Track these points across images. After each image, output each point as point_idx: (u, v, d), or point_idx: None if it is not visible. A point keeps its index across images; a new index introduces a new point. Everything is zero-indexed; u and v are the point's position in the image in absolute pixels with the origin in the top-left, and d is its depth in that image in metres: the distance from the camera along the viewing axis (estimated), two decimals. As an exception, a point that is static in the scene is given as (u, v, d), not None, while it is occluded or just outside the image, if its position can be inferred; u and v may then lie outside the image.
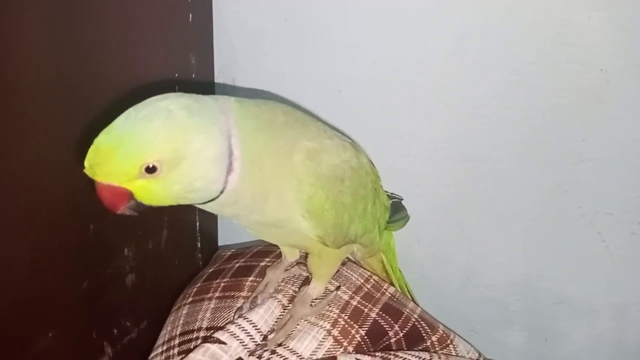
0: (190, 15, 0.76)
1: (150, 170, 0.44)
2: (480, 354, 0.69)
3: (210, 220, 0.90)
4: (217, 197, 0.48)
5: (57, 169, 0.59)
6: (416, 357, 0.62)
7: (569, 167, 0.74)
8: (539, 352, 0.86)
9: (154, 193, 0.46)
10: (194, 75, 0.80)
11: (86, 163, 0.45)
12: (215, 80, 0.86)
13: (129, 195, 0.46)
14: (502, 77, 0.72)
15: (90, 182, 0.45)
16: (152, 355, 0.65)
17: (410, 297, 0.78)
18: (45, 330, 0.61)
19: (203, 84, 0.83)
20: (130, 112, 0.46)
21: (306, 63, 0.81)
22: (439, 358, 0.64)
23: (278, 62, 0.82)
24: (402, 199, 0.78)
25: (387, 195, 0.74)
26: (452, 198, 0.81)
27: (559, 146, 0.73)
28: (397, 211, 0.75)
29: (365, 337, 0.63)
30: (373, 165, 0.65)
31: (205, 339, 0.61)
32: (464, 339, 0.70)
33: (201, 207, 0.51)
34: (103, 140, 0.44)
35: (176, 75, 0.76)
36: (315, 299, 0.65)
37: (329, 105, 0.81)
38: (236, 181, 0.48)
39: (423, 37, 0.74)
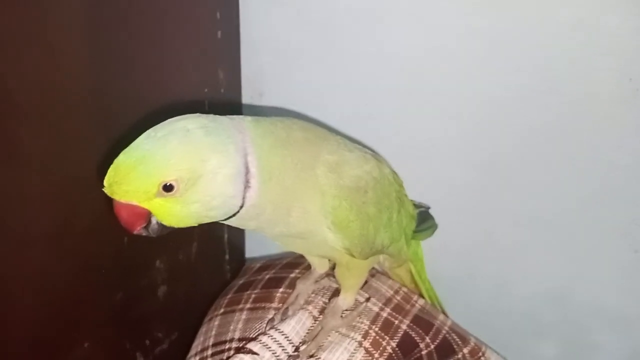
0: (219, 32, 0.78)
1: (168, 188, 0.45)
2: (512, 366, 0.68)
3: (238, 232, 0.91)
4: (237, 212, 0.49)
5: (93, 181, 0.60)
6: None
7: (603, 174, 0.73)
8: (573, 365, 0.84)
9: (173, 212, 0.47)
10: (222, 90, 0.81)
11: (105, 182, 0.46)
12: (243, 95, 0.88)
13: (147, 215, 0.47)
14: (533, 85, 0.71)
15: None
16: (184, 365, 0.66)
17: (439, 308, 0.77)
18: (81, 341, 0.63)
19: (231, 99, 0.84)
20: (150, 132, 0.47)
21: (333, 76, 0.81)
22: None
23: (304, 75, 0.83)
24: (429, 208, 0.78)
25: (414, 204, 0.74)
26: (482, 207, 0.81)
27: (592, 154, 0.72)
28: (424, 220, 0.74)
29: (397, 349, 0.63)
30: (396, 175, 0.65)
31: (238, 350, 0.61)
32: (496, 352, 0.70)
33: (224, 222, 0.52)
34: (122, 160, 0.46)
35: (205, 90, 0.77)
36: (346, 310, 0.65)
37: (355, 117, 0.82)
38: (254, 197, 0.49)
39: (451, 45, 0.74)
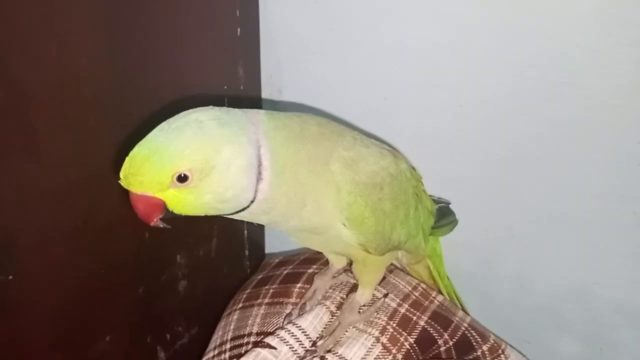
0: (239, 29, 0.78)
1: (182, 179, 0.46)
2: (532, 364, 0.68)
3: (258, 228, 0.92)
4: (249, 206, 0.49)
5: (112, 177, 0.61)
6: None
7: (624, 170, 0.71)
8: (595, 362, 0.83)
9: (186, 202, 0.47)
10: (242, 87, 0.81)
11: (121, 174, 0.47)
12: (263, 91, 0.88)
13: (162, 206, 0.48)
14: (554, 79, 0.70)
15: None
16: (204, 359, 0.67)
17: (459, 305, 0.77)
18: (102, 335, 0.64)
19: (250, 96, 0.85)
20: (164, 125, 0.48)
21: (351, 71, 0.81)
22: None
23: (323, 71, 0.83)
24: (450, 203, 0.77)
25: (434, 199, 0.73)
26: (502, 203, 0.80)
27: (613, 149, 0.71)
28: (444, 216, 0.74)
29: (415, 345, 0.63)
30: (414, 170, 0.65)
31: (256, 344, 0.62)
32: (516, 349, 0.69)
33: (235, 217, 0.52)
34: (137, 152, 0.46)
35: (225, 87, 0.78)
36: (363, 305, 0.65)
37: (374, 112, 0.82)
38: (266, 190, 0.49)
39: (469, 39, 0.73)
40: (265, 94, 0.88)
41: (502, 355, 0.67)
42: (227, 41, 0.77)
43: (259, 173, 0.48)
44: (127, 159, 0.47)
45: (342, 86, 0.83)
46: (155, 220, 0.49)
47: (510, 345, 0.69)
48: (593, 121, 0.71)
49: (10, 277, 0.52)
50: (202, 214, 0.50)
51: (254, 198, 0.49)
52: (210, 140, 0.46)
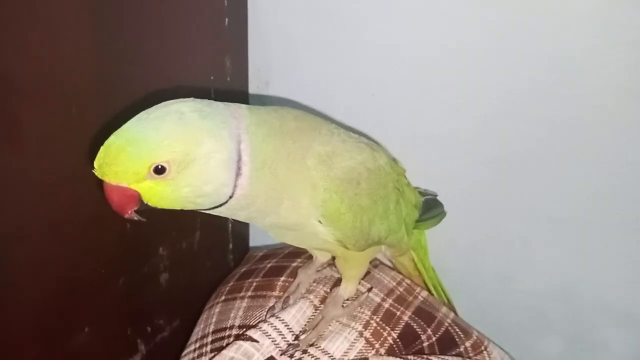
0: (227, 19, 0.77)
1: (159, 171, 0.45)
2: (515, 361, 0.68)
3: (243, 222, 0.91)
4: (227, 202, 0.49)
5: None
6: None
7: (612, 171, 0.72)
8: (577, 362, 0.83)
9: (163, 195, 0.46)
10: (228, 79, 0.81)
11: (96, 163, 0.45)
12: (250, 84, 0.87)
13: (137, 198, 0.46)
14: (545, 77, 0.70)
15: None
16: (185, 352, 0.66)
17: (444, 297, 0.77)
18: (81, 326, 0.63)
19: (237, 87, 0.84)
20: (142, 114, 0.47)
21: (340, 66, 0.81)
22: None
23: (311, 65, 0.83)
24: (436, 195, 0.77)
25: (420, 192, 0.73)
26: (489, 201, 0.80)
27: (602, 148, 0.71)
28: (430, 208, 0.74)
29: (398, 340, 0.63)
30: (396, 163, 0.65)
31: (238, 337, 0.61)
32: (499, 346, 0.69)
33: (212, 212, 0.51)
34: (113, 141, 0.45)
35: (212, 78, 0.77)
36: (347, 300, 0.64)
37: (362, 109, 0.81)
38: (245, 185, 0.48)
39: (461, 38, 0.73)
40: (252, 86, 0.88)
41: (484, 352, 0.67)
42: (215, 31, 0.77)
43: (239, 168, 0.47)
44: (102, 147, 0.45)
45: (330, 81, 0.82)
46: (129, 212, 0.47)
47: (493, 342, 0.69)
48: (583, 121, 0.71)
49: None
50: (179, 208, 0.48)
51: (233, 193, 0.48)
52: (191, 132, 0.45)
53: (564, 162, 0.74)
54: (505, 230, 0.81)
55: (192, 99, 0.49)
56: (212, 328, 0.66)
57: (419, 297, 0.70)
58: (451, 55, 0.74)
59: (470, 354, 0.66)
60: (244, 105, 0.51)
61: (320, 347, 0.60)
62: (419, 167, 0.79)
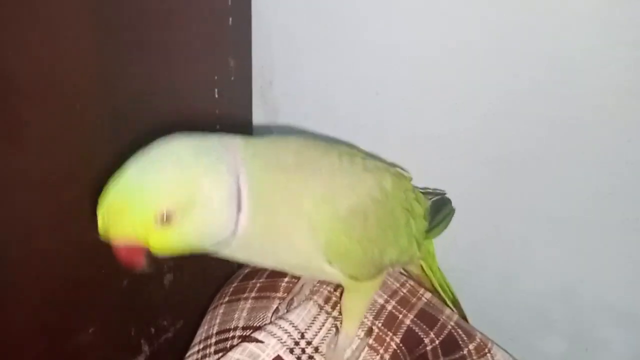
0: (230, 19, 0.77)
1: (166, 218, 0.44)
2: (519, 363, 0.68)
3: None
4: (230, 243, 0.48)
5: (100, 165, 0.60)
6: None
7: (613, 171, 0.72)
8: (580, 362, 0.83)
9: (171, 242, 0.45)
10: (232, 78, 0.80)
11: (100, 225, 0.44)
12: (253, 83, 0.87)
13: (146, 252, 0.46)
14: (545, 77, 0.70)
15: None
16: (189, 353, 0.66)
17: (452, 298, 0.76)
18: (86, 326, 0.63)
19: (241, 87, 0.84)
20: (138, 160, 0.45)
21: (343, 65, 0.81)
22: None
23: (315, 65, 0.83)
24: (445, 193, 0.75)
25: (427, 191, 0.72)
26: (490, 201, 0.80)
27: (602, 148, 0.71)
28: (438, 210, 0.71)
29: (401, 345, 0.63)
30: (402, 175, 0.63)
31: (244, 339, 0.61)
32: (502, 348, 0.69)
33: (213, 253, 0.50)
34: (113, 198, 0.44)
35: (215, 77, 0.77)
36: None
37: (364, 108, 0.81)
38: (244, 221, 0.47)
39: (462, 38, 0.73)
40: (255, 86, 0.87)
41: (488, 354, 0.66)
42: (219, 31, 0.76)
43: (239, 203, 0.47)
44: (101, 207, 0.44)
45: (333, 80, 0.82)
46: (140, 266, 0.47)
47: (497, 344, 0.68)
48: (583, 120, 0.71)
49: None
50: (187, 252, 0.47)
51: (235, 230, 0.47)
52: (190, 174, 0.44)
53: (564, 162, 0.74)
54: (505, 230, 0.81)
55: (184, 135, 0.47)
56: (216, 329, 0.66)
57: (423, 298, 0.69)
58: (452, 55, 0.74)
59: (474, 357, 0.66)
60: (237, 137, 0.50)
61: (324, 353, 0.59)
62: (419, 167, 0.78)
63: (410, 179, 0.67)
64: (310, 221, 0.50)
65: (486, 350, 0.66)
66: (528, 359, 0.71)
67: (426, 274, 0.74)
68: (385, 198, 0.55)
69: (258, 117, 0.88)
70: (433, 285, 0.74)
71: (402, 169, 0.67)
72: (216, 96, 0.77)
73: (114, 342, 0.67)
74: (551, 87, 0.71)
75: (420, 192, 0.69)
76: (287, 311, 0.63)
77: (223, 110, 0.79)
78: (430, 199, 0.72)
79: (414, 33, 0.75)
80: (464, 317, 0.74)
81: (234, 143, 0.49)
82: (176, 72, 0.70)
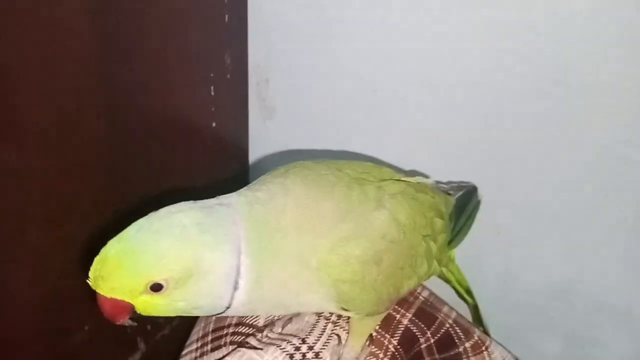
0: (227, 16, 0.77)
1: (156, 287, 0.43)
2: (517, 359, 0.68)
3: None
4: (223, 312, 0.48)
5: (95, 162, 0.60)
6: None
7: (611, 168, 0.72)
8: (577, 361, 0.83)
9: (157, 308, 0.45)
10: (228, 76, 0.80)
11: (91, 274, 0.44)
12: (249, 80, 0.87)
13: (131, 309, 0.45)
14: (544, 76, 0.70)
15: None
16: (185, 351, 0.65)
17: (471, 299, 0.76)
18: (81, 324, 0.62)
19: (237, 84, 0.84)
20: (143, 223, 0.45)
21: (341, 63, 0.80)
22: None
23: (312, 62, 0.82)
24: (470, 186, 0.72)
25: (453, 185, 0.69)
26: (489, 200, 0.80)
27: (601, 147, 0.71)
28: (464, 207, 0.68)
29: (399, 347, 0.62)
30: (423, 182, 0.60)
31: (241, 344, 0.60)
32: (501, 345, 0.69)
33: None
34: (111, 254, 0.44)
35: (212, 75, 0.77)
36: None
37: (363, 106, 0.81)
38: (242, 297, 0.47)
39: (458, 33, 0.73)
40: (252, 83, 0.87)
41: (485, 352, 0.66)
42: (215, 28, 0.76)
43: (236, 282, 0.46)
44: (98, 258, 0.44)
45: (331, 78, 0.82)
46: (122, 321, 0.47)
47: (496, 341, 0.68)
48: (582, 120, 0.71)
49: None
50: (173, 315, 0.47)
51: (230, 304, 0.47)
52: (191, 249, 0.44)
53: (562, 162, 0.74)
54: (505, 230, 0.81)
55: (192, 204, 0.47)
56: (211, 327, 0.65)
57: (420, 297, 0.69)
58: (451, 53, 0.74)
59: (470, 355, 0.66)
60: (241, 201, 0.49)
61: (321, 359, 0.59)
62: (419, 164, 0.79)
63: (431, 187, 0.64)
64: (320, 277, 0.49)
65: (483, 347, 0.66)
66: (524, 357, 0.71)
67: (445, 277, 0.74)
68: (401, 236, 0.53)
69: (254, 115, 0.88)
70: (451, 285, 0.73)
71: (422, 175, 0.66)
72: (212, 93, 0.77)
73: (110, 339, 0.67)
74: (551, 87, 0.71)
75: (444, 192, 0.67)
76: (283, 327, 0.63)
77: (219, 107, 0.79)
78: (456, 195, 0.69)
79: (412, 30, 0.75)
80: (479, 320, 0.75)
81: (238, 213, 0.47)
82: (172, 68, 0.70)
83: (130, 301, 0.45)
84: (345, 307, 0.52)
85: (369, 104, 0.81)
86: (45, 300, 0.58)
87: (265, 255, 0.47)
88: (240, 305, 0.47)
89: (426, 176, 0.71)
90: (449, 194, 0.68)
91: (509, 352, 0.68)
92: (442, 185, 0.70)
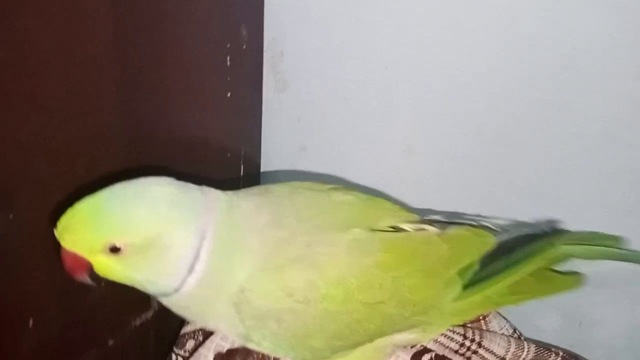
0: (243, -13, 0.78)
1: (114, 250, 0.45)
2: (515, 330, 0.69)
3: (254, 171, 0.92)
4: (171, 295, 0.48)
5: (111, 131, 0.62)
6: (450, 331, 0.63)
7: (614, 152, 0.73)
8: (574, 337, 0.85)
9: (113, 271, 0.47)
10: (244, 47, 0.81)
11: (57, 225, 0.46)
12: (265, 53, 0.88)
13: (89, 267, 0.47)
14: (548, 61, 0.71)
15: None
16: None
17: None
18: (99, 280, 0.64)
19: (252, 56, 0.85)
20: (118, 187, 0.46)
21: (355, 37, 0.81)
22: (473, 333, 0.64)
23: (327, 36, 0.83)
24: (499, 231, 0.61)
25: (486, 229, 0.60)
26: (494, 180, 0.81)
27: (604, 131, 0.72)
28: (506, 255, 0.58)
29: None
30: (431, 236, 0.55)
31: None
32: (501, 315, 0.70)
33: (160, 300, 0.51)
34: (79, 210, 0.45)
35: (228, 45, 0.78)
36: None
37: (374, 81, 0.82)
38: (193, 284, 0.47)
39: (473, 19, 0.74)
40: (266, 56, 0.88)
41: (481, 321, 0.68)
42: (231, -1, 0.77)
43: (192, 265, 0.46)
44: (67, 211, 0.45)
45: (344, 52, 0.83)
46: (80, 277, 0.48)
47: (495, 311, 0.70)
48: (585, 103, 0.72)
49: (11, 216, 0.53)
50: (129, 284, 0.49)
51: (179, 288, 0.47)
52: (157, 221, 0.45)
53: (565, 143, 0.75)
54: (507, 207, 0.82)
55: (171, 180, 0.48)
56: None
57: None
58: (463, 36, 0.75)
59: (467, 323, 0.67)
60: (224, 196, 0.49)
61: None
62: (427, 143, 0.80)
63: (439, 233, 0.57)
64: (232, 307, 0.49)
65: (480, 316, 0.68)
66: (523, 331, 0.73)
67: None
68: (317, 300, 0.48)
69: (268, 86, 0.89)
70: None
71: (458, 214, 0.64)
72: (228, 64, 0.78)
73: (125, 295, 0.68)
74: (555, 69, 0.71)
75: (482, 227, 0.60)
76: None
77: (234, 78, 0.80)
78: (511, 234, 0.61)
79: (426, 5, 0.75)
80: None
81: (215, 202, 0.48)
82: (189, 38, 0.70)
83: (89, 259, 0.46)
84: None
85: (380, 79, 0.82)
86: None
87: (222, 258, 0.47)
88: (187, 295, 0.48)
89: (465, 217, 0.68)
90: (490, 230, 0.61)
91: (508, 321, 0.70)
92: (484, 221, 0.64)
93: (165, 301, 0.51)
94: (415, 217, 0.57)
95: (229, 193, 0.51)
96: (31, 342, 0.58)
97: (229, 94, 0.80)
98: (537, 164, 0.78)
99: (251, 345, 0.52)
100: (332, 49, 0.83)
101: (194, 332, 0.65)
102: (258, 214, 0.50)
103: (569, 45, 0.70)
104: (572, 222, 0.79)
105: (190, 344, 0.64)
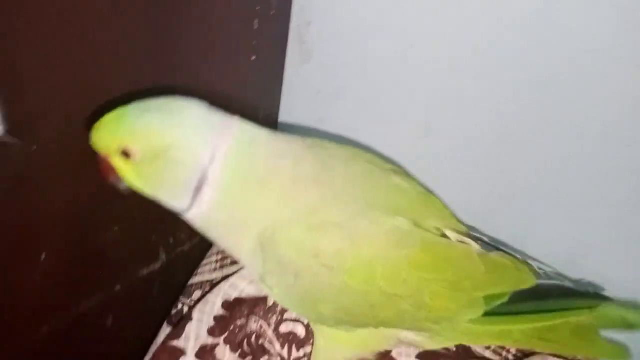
0: (273, -47, 0.78)
1: (126, 154, 0.47)
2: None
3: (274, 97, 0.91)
4: (186, 213, 0.50)
5: (130, 82, 0.62)
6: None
7: (615, 146, 0.73)
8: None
9: (129, 176, 0.49)
10: (273, 12, 0.81)
11: (92, 132, 0.49)
12: (291, 22, 0.88)
13: (115, 170, 0.50)
14: (551, 62, 0.71)
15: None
16: (205, 261, 0.68)
17: None
18: (112, 225, 0.65)
19: (279, 23, 0.84)
20: (148, 101, 0.49)
21: (381, 14, 0.81)
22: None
23: (355, 10, 0.83)
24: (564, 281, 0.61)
25: (543, 270, 0.60)
26: (496, 173, 0.81)
27: (606, 126, 0.72)
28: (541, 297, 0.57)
29: None
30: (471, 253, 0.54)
31: None
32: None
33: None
34: (108, 116, 0.48)
35: (257, 8, 0.78)
36: None
37: (398, 60, 0.82)
38: (204, 207, 0.48)
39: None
40: (293, 25, 0.88)
41: None
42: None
43: (200, 187, 0.47)
44: (98, 122, 0.49)
45: (371, 28, 0.83)
46: (111, 180, 0.51)
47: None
48: (586, 98, 0.72)
49: (34, 147, 0.53)
50: (144, 193, 0.51)
51: (190, 208, 0.49)
52: (169, 133, 0.47)
53: (568, 136, 0.75)
54: (509, 204, 0.83)
55: (200, 103, 0.49)
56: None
57: None
58: (488, 19, 0.74)
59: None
60: (260, 129, 0.50)
61: None
62: (444, 124, 0.80)
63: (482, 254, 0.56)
64: (258, 243, 0.49)
65: None
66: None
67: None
68: (340, 270, 0.48)
69: (293, 55, 0.90)
70: None
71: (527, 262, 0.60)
72: (255, 27, 0.78)
73: (136, 244, 0.70)
74: (559, 69, 0.71)
75: (525, 263, 0.59)
76: None
77: (260, 42, 0.80)
78: (554, 280, 0.60)
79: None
80: None
81: (233, 130, 0.49)
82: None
83: (112, 162, 0.49)
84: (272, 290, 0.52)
85: (404, 58, 0.81)
86: (81, 195, 0.60)
87: (234, 184, 0.48)
88: (199, 218, 0.49)
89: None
90: (532, 270, 0.60)
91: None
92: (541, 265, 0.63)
93: (189, 219, 0.51)
94: (463, 228, 0.57)
95: (265, 130, 0.51)
96: (41, 276, 0.58)
97: (253, 57, 0.80)
98: (537, 163, 0.79)
99: (264, 288, 0.53)
100: (359, 24, 0.83)
101: (201, 283, 0.66)
102: (296, 161, 0.50)
103: (569, 45, 0.70)
104: (572, 222, 0.79)
105: (197, 294, 0.65)
